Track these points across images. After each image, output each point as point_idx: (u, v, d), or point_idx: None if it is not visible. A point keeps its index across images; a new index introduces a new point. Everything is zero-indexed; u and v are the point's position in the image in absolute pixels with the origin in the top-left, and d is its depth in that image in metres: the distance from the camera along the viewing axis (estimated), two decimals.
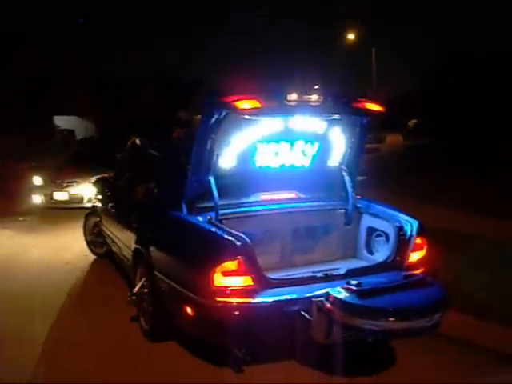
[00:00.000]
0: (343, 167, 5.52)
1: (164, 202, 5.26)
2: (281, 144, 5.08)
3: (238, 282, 4.09)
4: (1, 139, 21.00)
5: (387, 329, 3.93)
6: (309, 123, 5.04)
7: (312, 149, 5.26)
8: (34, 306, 6.10)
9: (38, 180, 13.34)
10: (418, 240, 4.83)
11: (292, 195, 5.39)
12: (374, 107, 4.92)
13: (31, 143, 22.11)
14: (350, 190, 5.46)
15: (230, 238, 4.20)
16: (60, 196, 12.95)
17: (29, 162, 16.07)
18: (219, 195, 4.78)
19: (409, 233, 4.81)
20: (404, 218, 4.94)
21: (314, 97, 4.61)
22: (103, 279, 7.23)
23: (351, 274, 4.47)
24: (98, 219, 7.84)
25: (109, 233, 7.11)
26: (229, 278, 4.07)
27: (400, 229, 4.86)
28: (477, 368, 4.42)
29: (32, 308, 6.04)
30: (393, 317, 3.88)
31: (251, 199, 5.18)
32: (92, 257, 8.25)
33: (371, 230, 5.31)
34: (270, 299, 4.09)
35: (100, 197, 7.81)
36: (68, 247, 9.00)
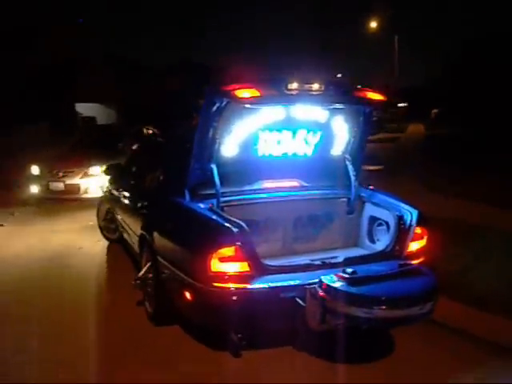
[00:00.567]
0: (346, 156, 5.54)
1: (168, 188, 5.36)
2: (283, 132, 5.13)
3: (234, 268, 4.17)
4: (26, 128, 21.37)
5: (379, 316, 3.96)
6: (311, 112, 5.07)
7: (314, 137, 5.30)
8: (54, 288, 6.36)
9: (35, 169, 12.93)
10: (418, 230, 4.85)
11: (294, 183, 5.43)
12: (376, 96, 4.92)
13: (54, 132, 22.43)
14: (353, 178, 5.48)
15: (228, 224, 4.27)
16: (55, 186, 12.42)
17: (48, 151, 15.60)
18: (221, 183, 4.86)
19: (408, 222, 4.83)
20: (405, 207, 4.95)
21: (315, 86, 4.63)
22: (115, 264, 7.38)
23: (349, 262, 4.51)
24: (109, 205, 7.97)
25: (120, 219, 7.24)
26: (226, 264, 4.14)
27: (400, 218, 4.89)
28: (474, 359, 4.42)
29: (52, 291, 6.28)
30: (385, 305, 3.91)
31: (253, 187, 5.24)
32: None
33: (373, 219, 5.34)
34: (266, 285, 4.16)
35: (112, 183, 7.93)
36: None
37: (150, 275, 5.21)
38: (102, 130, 16.99)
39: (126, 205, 6.81)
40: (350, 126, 5.36)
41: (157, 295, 5.07)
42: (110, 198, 7.96)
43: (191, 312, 4.64)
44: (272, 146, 5.17)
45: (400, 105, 44.09)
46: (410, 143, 27.97)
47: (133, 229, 6.17)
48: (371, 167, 12.05)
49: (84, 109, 31.48)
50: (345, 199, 5.54)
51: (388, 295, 3.97)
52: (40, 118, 23.50)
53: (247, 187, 5.22)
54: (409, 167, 15.48)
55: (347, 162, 5.54)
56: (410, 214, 4.85)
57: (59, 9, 29.13)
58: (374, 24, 38.66)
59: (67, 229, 9.71)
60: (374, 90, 4.96)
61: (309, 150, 5.36)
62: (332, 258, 4.76)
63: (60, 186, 12.34)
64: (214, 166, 4.85)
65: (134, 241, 6.12)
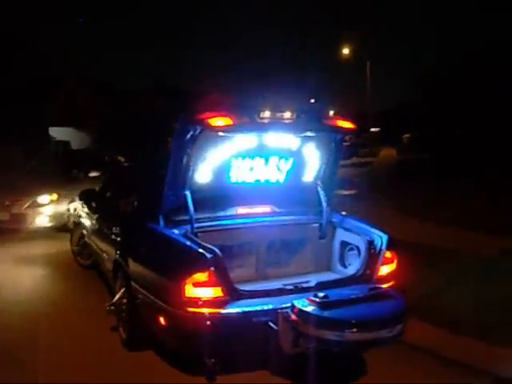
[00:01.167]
0: (318, 182, 5.66)
1: (142, 214, 5.41)
2: (256, 159, 5.23)
3: (208, 293, 4.22)
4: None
5: (351, 339, 4.04)
6: (283, 139, 5.18)
7: (286, 164, 5.41)
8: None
9: None
10: (388, 254, 4.96)
11: (267, 209, 5.53)
12: (346, 124, 5.07)
13: (28, 155, 22.20)
14: (324, 204, 5.59)
15: (202, 250, 4.34)
16: (1, 216, 11.28)
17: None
18: (195, 209, 4.93)
19: (379, 247, 4.94)
20: (375, 232, 5.07)
21: (287, 114, 4.77)
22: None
23: (321, 286, 4.60)
24: (83, 231, 7.97)
25: (94, 244, 7.24)
26: (200, 289, 4.20)
27: (370, 243, 5.00)
28: (446, 380, 4.53)
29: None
30: (355, 328, 4.00)
31: (227, 213, 5.32)
32: None
33: (344, 244, 5.43)
34: (240, 310, 4.23)
35: (85, 209, 7.94)
36: None
37: (125, 300, 5.23)
38: (76, 155, 16.81)
39: (100, 230, 6.82)
40: (321, 152, 5.48)
41: (131, 320, 5.11)
42: (83, 224, 7.96)
43: (165, 337, 4.68)
44: (245, 172, 5.26)
45: (372, 129, 44.73)
46: (382, 168, 28.37)
47: (107, 254, 6.19)
48: (344, 192, 12.23)
49: (58, 133, 31.31)
50: (317, 224, 5.64)
51: (359, 318, 4.05)
52: (13, 142, 23.27)
53: (221, 213, 5.30)
54: (382, 191, 15.70)
55: (319, 188, 5.65)
56: (380, 239, 4.96)
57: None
58: (346, 50, 39.46)
59: None
60: (345, 118, 5.10)
61: (281, 177, 5.47)
62: (304, 282, 4.83)
63: (5, 215, 11.31)
64: (188, 193, 4.92)
65: (108, 266, 6.13)
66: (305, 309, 4.04)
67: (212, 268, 4.22)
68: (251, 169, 5.27)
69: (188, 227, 4.90)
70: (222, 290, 4.26)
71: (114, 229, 6.08)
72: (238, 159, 5.13)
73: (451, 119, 31.92)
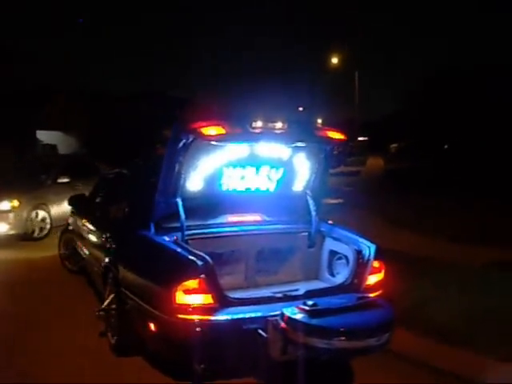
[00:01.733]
0: (308, 192, 5.73)
1: (133, 221, 5.45)
2: (247, 168, 5.30)
3: (198, 300, 4.26)
4: None
5: (339, 347, 4.10)
6: (274, 149, 5.25)
7: (277, 174, 5.48)
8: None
9: None
10: (376, 263, 5.04)
11: (257, 218, 5.59)
12: (337, 135, 5.15)
13: (16, 157, 22.12)
14: (313, 213, 5.66)
15: (193, 257, 4.38)
16: None
17: None
18: (186, 216, 4.97)
19: (367, 256, 5.01)
20: (363, 242, 5.14)
21: (279, 124, 4.83)
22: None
23: (309, 295, 4.65)
24: (72, 236, 7.98)
25: (83, 250, 7.25)
26: (190, 296, 4.24)
27: (359, 252, 5.07)
28: None
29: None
30: (343, 336, 4.06)
31: (217, 221, 5.38)
32: None
33: (333, 253, 5.50)
34: (229, 317, 4.27)
35: (76, 214, 7.96)
36: None
37: (114, 306, 5.26)
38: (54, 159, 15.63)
39: (90, 236, 6.85)
40: (311, 162, 5.56)
41: (120, 326, 5.13)
42: (72, 229, 7.97)
43: (155, 343, 4.71)
44: (236, 181, 5.33)
45: (360, 138, 44.93)
46: (370, 177, 28.53)
47: (97, 260, 6.21)
48: (331, 200, 12.29)
49: (46, 136, 31.21)
50: (306, 233, 5.70)
51: (347, 327, 4.11)
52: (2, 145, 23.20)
53: (211, 221, 5.36)
54: (369, 200, 15.81)
55: (308, 198, 5.72)
56: (368, 249, 5.03)
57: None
58: (335, 60, 39.77)
59: None
60: (335, 129, 5.18)
61: (271, 186, 5.54)
62: (293, 290, 4.90)
63: None
64: (179, 200, 4.97)
65: (98, 271, 6.15)
66: (294, 317, 4.08)
67: (203, 275, 4.26)
68: (242, 177, 5.33)
69: (179, 234, 4.94)
70: (213, 297, 4.30)
71: (104, 234, 6.11)
72: (229, 168, 5.20)
73: (439, 130, 32.17)
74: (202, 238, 5.20)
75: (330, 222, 5.79)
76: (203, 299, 4.28)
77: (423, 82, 38.69)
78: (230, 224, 5.43)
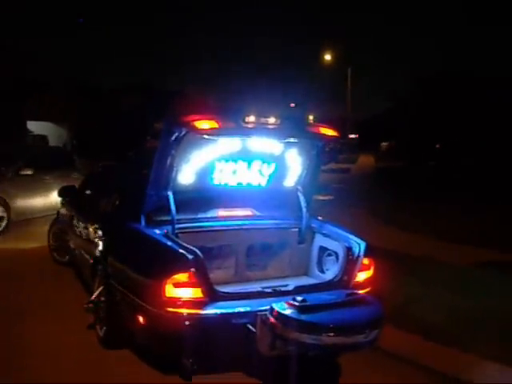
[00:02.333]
0: (299, 188, 5.74)
1: (124, 213, 5.43)
2: (239, 163, 5.30)
3: (188, 294, 4.26)
4: None
5: (327, 343, 4.11)
6: (266, 144, 5.25)
7: (269, 169, 5.48)
8: None
9: None
10: (366, 260, 5.05)
11: (248, 212, 5.59)
12: (329, 132, 5.15)
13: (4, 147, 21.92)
14: (304, 209, 5.67)
15: (183, 251, 4.38)
16: None
17: None
18: (177, 210, 4.97)
19: (356, 253, 5.02)
20: (353, 238, 5.15)
21: (271, 120, 4.83)
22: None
23: (299, 290, 4.66)
24: (62, 228, 7.94)
25: (72, 242, 7.22)
26: (179, 290, 4.24)
27: (349, 249, 5.08)
28: None
29: None
30: (332, 332, 4.07)
31: (208, 215, 5.38)
32: None
33: (323, 249, 5.51)
34: (218, 311, 4.28)
35: (66, 205, 7.92)
36: None
37: (103, 299, 5.24)
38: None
39: (79, 228, 6.81)
40: (303, 158, 5.57)
41: (109, 319, 5.11)
42: (62, 221, 7.93)
43: (143, 336, 4.70)
44: (227, 175, 5.32)
45: (351, 136, 45.08)
46: (360, 174, 28.62)
47: (86, 252, 6.19)
48: (320, 197, 12.32)
49: (36, 127, 31.06)
50: (296, 229, 5.71)
51: (336, 323, 4.12)
52: None
53: (202, 215, 5.35)
54: (359, 198, 15.87)
55: (299, 193, 5.73)
56: (358, 246, 5.04)
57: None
58: (328, 57, 39.83)
59: None
60: (328, 126, 5.19)
61: (263, 181, 5.54)
62: (283, 286, 4.89)
63: None
64: (170, 193, 4.96)
65: (86, 263, 6.13)
66: (283, 312, 4.09)
67: (193, 269, 4.26)
68: (234, 172, 5.33)
69: (169, 227, 4.93)
70: (202, 291, 4.30)
71: (94, 226, 6.09)
72: (221, 162, 5.19)
73: (430, 130, 32.32)
74: (192, 232, 5.20)
75: (320, 218, 5.80)
76: (193, 293, 4.27)
77: (415, 81, 38.86)
78: (220, 218, 5.43)
